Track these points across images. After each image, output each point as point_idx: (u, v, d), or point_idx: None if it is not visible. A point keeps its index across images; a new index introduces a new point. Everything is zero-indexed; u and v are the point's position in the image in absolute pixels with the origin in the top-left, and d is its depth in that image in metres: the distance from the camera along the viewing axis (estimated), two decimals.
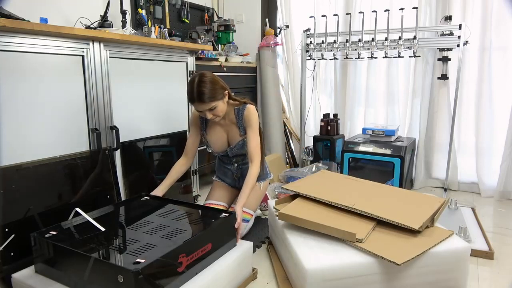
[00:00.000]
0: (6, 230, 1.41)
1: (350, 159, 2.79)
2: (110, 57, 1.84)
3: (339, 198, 1.62)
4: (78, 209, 1.48)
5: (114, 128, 1.87)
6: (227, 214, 1.52)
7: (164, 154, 2.25)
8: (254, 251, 1.84)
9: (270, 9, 3.52)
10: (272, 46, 3.22)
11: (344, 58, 2.97)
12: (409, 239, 1.41)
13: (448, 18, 2.65)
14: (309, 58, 3.11)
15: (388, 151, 2.64)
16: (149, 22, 2.72)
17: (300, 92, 3.21)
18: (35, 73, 1.54)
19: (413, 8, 2.64)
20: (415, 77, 2.90)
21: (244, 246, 1.54)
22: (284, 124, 3.44)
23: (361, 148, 2.74)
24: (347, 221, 1.49)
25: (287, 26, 3.32)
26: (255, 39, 3.51)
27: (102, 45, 1.79)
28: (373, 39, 2.76)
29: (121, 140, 1.92)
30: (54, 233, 1.33)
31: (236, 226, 1.53)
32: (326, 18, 2.92)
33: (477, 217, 2.20)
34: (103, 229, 1.37)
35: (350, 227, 1.43)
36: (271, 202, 1.84)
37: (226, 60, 3.00)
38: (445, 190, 2.73)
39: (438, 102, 2.83)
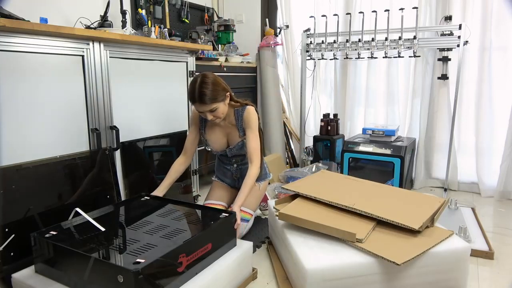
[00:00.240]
0: (6, 230, 1.41)
1: (350, 159, 2.79)
2: (110, 57, 1.84)
3: (339, 198, 1.62)
4: (78, 209, 1.48)
5: (114, 128, 1.87)
6: (227, 214, 1.52)
7: (164, 154, 2.25)
8: (254, 251, 1.84)
9: (270, 9, 3.52)
10: (272, 46, 3.22)
11: (344, 58, 2.97)
12: (409, 239, 1.41)
13: (448, 18, 2.65)
14: (309, 58, 3.11)
15: (388, 151, 2.64)
16: (149, 22, 2.72)
17: (300, 92, 3.21)
18: (35, 73, 1.53)
19: (413, 8, 2.64)
20: (415, 77, 2.90)
21: (244, 246, 1.54)
22: (284, 124, 3.44)
23: (361, 148, 2.74)
24: (347, 221, 1.49)
25: (287, 26, 3.32)
26: (255, 39, 3.51)
27: (102, 45, 1.79)
28: (373, 39, 2.76)
29: (121, 140, 1.92)
30: (54, 233, 1.33)
31: (235, 227, 1.53)
32: (326, 18, 2.92)
33: (477, 217, 2.20)
34: (103, 229, 1.37)
35: (350, 227, 1.43)
36: (271, 202, 1.84)
37: (226, 60, 3.00)
38: (445, 190, 2.73)
39: (438, 102, 2.83)
